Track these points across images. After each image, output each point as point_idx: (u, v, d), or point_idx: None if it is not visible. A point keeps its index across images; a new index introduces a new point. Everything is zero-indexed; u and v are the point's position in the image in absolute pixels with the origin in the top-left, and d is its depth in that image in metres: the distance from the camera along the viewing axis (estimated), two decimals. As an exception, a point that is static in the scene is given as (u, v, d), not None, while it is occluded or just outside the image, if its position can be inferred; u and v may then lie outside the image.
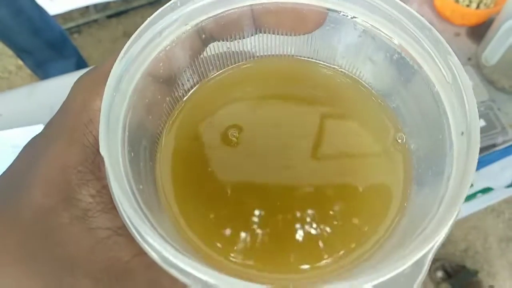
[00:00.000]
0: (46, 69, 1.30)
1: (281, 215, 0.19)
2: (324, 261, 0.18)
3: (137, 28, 0.17)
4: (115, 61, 0.18)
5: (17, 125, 0.76)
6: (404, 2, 0.74)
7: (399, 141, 0.21)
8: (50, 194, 0.17)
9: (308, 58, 0.22)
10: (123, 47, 0.17)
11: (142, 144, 0.18)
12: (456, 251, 1.55)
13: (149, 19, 0.17)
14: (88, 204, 0.17)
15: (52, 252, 0.17)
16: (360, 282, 0.14)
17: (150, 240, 0.14)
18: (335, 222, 0.19)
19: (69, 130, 0.18)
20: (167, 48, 0.18)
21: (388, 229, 0.19)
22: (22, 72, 1.67)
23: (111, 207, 0.18)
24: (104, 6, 1.78)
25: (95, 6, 1.74)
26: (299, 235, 0.19)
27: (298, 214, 0.19)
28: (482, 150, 0.73)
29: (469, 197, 0.73)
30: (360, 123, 0.22)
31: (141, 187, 0.17)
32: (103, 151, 0.15)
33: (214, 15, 0.18)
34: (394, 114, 0.21)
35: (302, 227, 0.19)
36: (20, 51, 1.27)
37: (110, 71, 0.18)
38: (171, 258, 0.14)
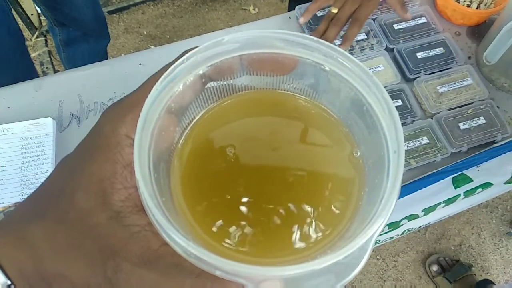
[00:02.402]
0: (74, 49, 1.30)
1: (270, 212, 0.25)
2: (298, 250, 0.24)
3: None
4: (134, 94, 0.24)
5: (25, 117, 0.77)
6: (407, 2, 0.76)
7: (355, 155, 0.26)
8: (90, 200, 0.22)
9: (285, 91, 0.28)
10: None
11: (161, 166, 0.23)
12: (450, 246, 1.58)
13: (166, 72, 0.22)
14: (120, 207, 0.22)
15: (95, 243, 0.22)
16: (318, 262, 0.18)
17: (176, 238, 0.19)
18: (308, 221, 0.25)
19: (102, 150, 0.23)
20: (177, 92, 0.23)
21: (347, 223, 0.24)
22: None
23: (138, 209, 0.22)
24: (105, 2, 1.78)
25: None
26: (283, 228, 0.25)
27: (284, 213, 0.25)
28: (482, 146, 0.75)
29: (469, 192, 0.75)
30: (326, 141, 0.28)
31: (163, 199, 0.22)
32: (138, 176, 0.20)
33: (212, 64, 0.24)
34: (351, 135, 0.27)
35: (285, 223, 0.25)
36: (59, 24, 1.25)
37: (131, 103, 0.24)
38: (192, 250, 0.19)
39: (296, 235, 0.24)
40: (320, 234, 0.24)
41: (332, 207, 0.25)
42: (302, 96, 0.28)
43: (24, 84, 0.82)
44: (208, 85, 0.26)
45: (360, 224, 0.22)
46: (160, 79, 0.22)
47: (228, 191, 0.26)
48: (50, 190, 0.24)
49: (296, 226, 0.24)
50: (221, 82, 0.26)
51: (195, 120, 0.27)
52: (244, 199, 0.25)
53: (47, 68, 1.66)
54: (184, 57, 0.23)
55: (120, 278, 0.21)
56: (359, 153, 0.26)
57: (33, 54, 1.68)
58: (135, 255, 0.21)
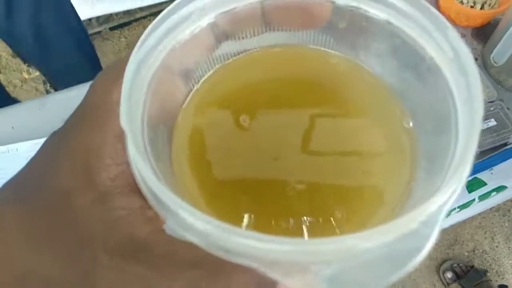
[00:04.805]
0: (64, 76, 1.27)
1: (298, 193, 0.20)
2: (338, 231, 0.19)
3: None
4: (126, 57, 0.19)
5: (28, 137, 0.76)
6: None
7: (406, 125, 0.21)
8: (72, 179, 0.19)
9: (316, 46, 0.23)
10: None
11: (160, 128, 0.19)
12: (464, 252, 1.54)
13: (165, 10, 0.18)
14: (107, 187, 0.18)
15: (73, 229, 0.18)
16: (369, 239, 0.13)
17: (181, 212, 0.14)
18: (345, 204, 0.20)
19: (91, 119, 0.20)
20: (182, 42, 0.19)
21: (398, 202, 0.19)
22: (27, 85, 1.67)
23: (128, 189, 0.19)
24: (106, 18, 1.78)
25: (98, 18, 1.74)
26: (315, 214, 0.19)
27: (315, 195, 0.20)
28: (494, 149, 0.74)
29: (484, 196, 0.73)
30: (369, 109, 0.22)
31: (159, 164, 0.18)
32: (123, 123, 0.16)
33: (227, 11, 0.19)
34: (401, 100, 0.21)
35: (316, 207, 0.20)
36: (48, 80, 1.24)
37: (121, 66, 0.18)
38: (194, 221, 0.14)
39: (333, 220, 0.19)
40: (364, 216, 0.20)
41: (376, 186, 0.21)
42: (337, 53, 0.23)
43: (26, 103, 0.82)
44: (222, 45, 0.21)
45: (419, 201, 0.17)
46: (158, 18, 0.18)
47: (243, 165, 0.21)
48: (32, 170, 0.21)
49: (332, 210, 0.20)
50: (237, 41, 0.22)
51: (203, 79, 0.22)
52: (266, 174, 0.21)
53: (50, 86, 1.66)
54: None
55: (98, 273, 0.18)
56: (411, 123, 0.21)
57: (34, 74, 1.69)
58: (117, 244, 0.18)
